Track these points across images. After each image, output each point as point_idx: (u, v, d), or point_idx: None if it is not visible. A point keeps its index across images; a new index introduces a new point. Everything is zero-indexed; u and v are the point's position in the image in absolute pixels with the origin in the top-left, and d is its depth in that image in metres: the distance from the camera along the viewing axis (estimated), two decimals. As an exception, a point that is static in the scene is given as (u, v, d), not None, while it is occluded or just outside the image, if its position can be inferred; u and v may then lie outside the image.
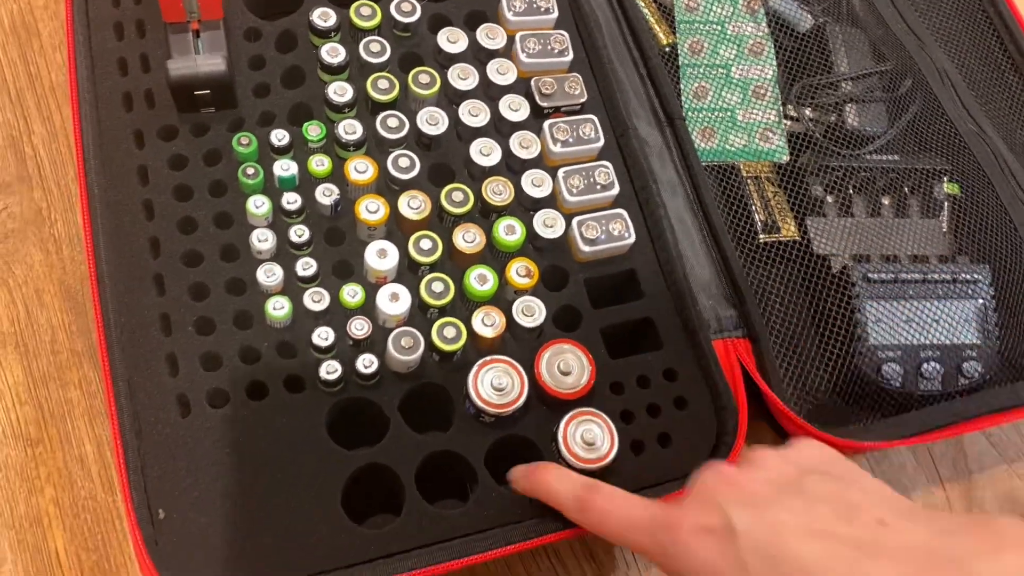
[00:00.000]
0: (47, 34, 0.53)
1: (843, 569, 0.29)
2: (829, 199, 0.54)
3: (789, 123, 0.56)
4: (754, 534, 0.31)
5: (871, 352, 0.48)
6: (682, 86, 0.56)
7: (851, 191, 0.54)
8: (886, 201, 0.54)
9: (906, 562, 0.29)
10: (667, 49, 0.57)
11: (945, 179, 0.55)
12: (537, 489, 0.39)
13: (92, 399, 0.45)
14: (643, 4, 0.58)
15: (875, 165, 0.54)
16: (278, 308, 0.42)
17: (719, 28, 0.58)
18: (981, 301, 0.50)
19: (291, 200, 0.45)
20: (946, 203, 0.55)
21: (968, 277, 0.51)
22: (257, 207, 0.44)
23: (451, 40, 0.50)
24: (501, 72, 0.50)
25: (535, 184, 0.47)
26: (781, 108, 0.56)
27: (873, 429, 0.47)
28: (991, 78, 0.60)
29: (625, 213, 0.48)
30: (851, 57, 0.57)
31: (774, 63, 0.57)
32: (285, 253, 0.44)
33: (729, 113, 0.56)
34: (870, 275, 0.50)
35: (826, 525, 0.31)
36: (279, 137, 0.46)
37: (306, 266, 0.44)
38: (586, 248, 0.47)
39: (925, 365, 0.48)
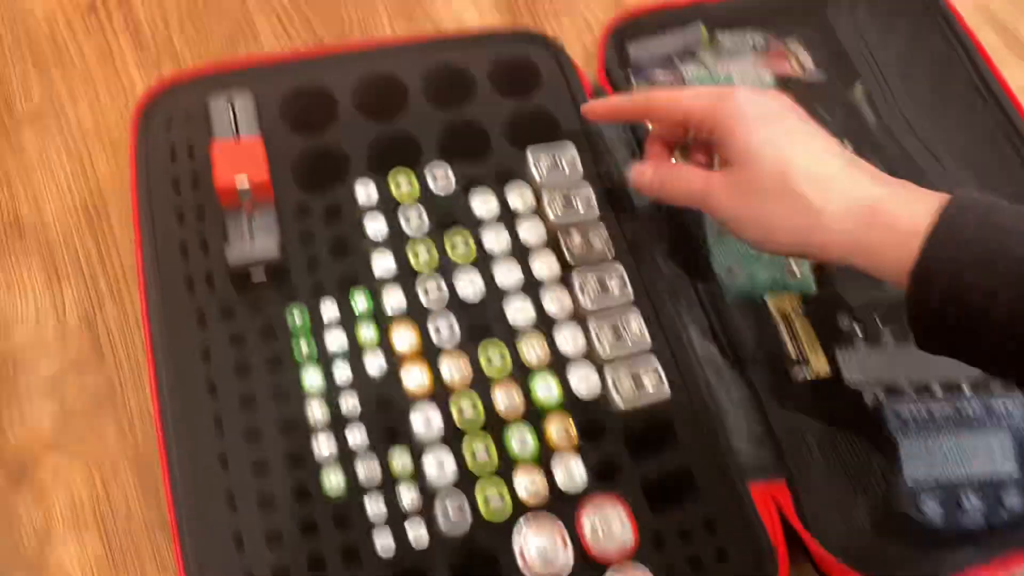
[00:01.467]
0: (116, 216, 0.58)
1: (841, 160, 0.43)
2: (857, 328, 0.55)
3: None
4: (795, 119, 0.46)
5: (908, 489, 0.49)
6: (706, 225, 0.58)
7: (878, 320, 0.55)
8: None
9: (873, 174, 0.44)
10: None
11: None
12: (606, 111, 0.53)
13: (166, 573, 0.48)
14: (665, 146, 0.61)
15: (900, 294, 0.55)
16: (333, 482, 0.45)
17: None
18: (1017, 429, 0.51)
19: (341, 373, 0.48)
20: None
21: (1002, 406, 0.51)
22: (310, 381, 0.48)
23: (483, 204, 0.53)
24: (530, 231, 0.53)
25: (567, 340, 0.50)
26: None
27: (917, 568, 0.47)
28: (1013, 196, 0.61)
29: (657, 363, 0.50)
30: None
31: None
32: (338, 423, 0.47)
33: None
34: (902, 411, 0.51)
35: (838, 145, 0.45)
36: (329, 310, 0.49)
37: (357, 436, 0.46)
38: (622, 405, 0.49)
39: (965, 500, 0.49)
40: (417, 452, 0.47)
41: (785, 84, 0.63)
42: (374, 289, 0.51)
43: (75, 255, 0.56)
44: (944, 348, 0.40)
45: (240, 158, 0.51)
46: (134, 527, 0.49)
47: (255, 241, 0.50)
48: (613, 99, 0.53)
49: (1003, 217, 0.38)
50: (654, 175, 0.50)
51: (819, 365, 0.54)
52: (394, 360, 0.49)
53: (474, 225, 0.53)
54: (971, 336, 0.38)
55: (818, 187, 0.42)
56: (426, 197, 0.54)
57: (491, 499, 0.45)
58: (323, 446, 0.46)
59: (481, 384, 0.49)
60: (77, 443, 0.51)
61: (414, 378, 0.47)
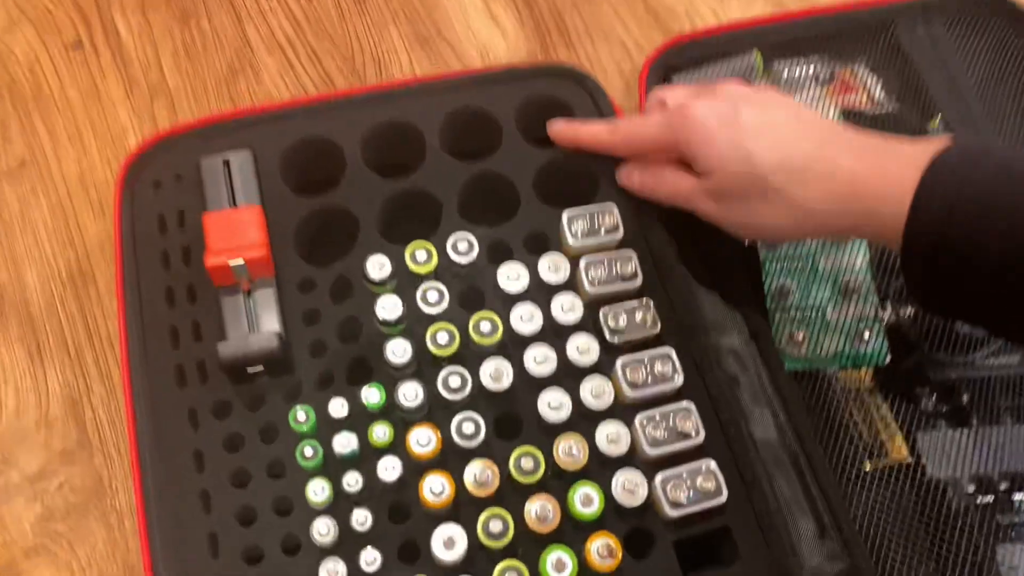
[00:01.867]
0: (103, 281, 0.52)
1: (812, 142, 0.43)
2: (942, 409, 0.48)
3: (887, 319, 0.51)
4: (752, 114, 0.44)
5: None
6: (765, 284, 0.51)
7: (965, 400, 0.48)
8: (1005, 405, 0.49)
9: (851, 148, 0.42)
10: (746, 243, 0.53)
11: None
12: (572, 140, 0.51)
13: None
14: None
15: (992, 372, 0.48)
16: (343, 616, 0.40)
17: (801, 214, 0.53)
18: None
19: (352, 482, 0.42)
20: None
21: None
22: (317, 494, 0.42)
23: (511, 278, 0.47)
24: (566, 309, 0.46)
25: (610, 440, 0.44)
26: (877, 301, 0.51)
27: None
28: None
29: (714, 464, 0.43)
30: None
31: (866, 248, 0.52)
32: (348, 541, 0.42)
33: (819, 312, 0.51)
34: (999, 514, 0.44)
35: (804, 123, 0.44)
36: (337, 407, 0.43)
37: (370, 560, 0.41)
38: (673, 512, 0.43)
39: (1074, 623, 0.42)
40: (440, 574, 0.41)
41: (852, 118, 0.55)
42: (387, 377, 0.45)
43: (59, 329, 0.51)
44: (940, 302, 0.41)
45: (236, 230, 0.45)
46: (125, 649, 0.44)
47: (253, 332, 0.44)
48: (580, 129, 0.50)
49: (991, 161, 0.39)
50: (641, 177, 0.49)
51: (898, 452, 0.47)
52: (411, 463, 0.43)
53: (502, 301, 0.47)
54: (963, 284, 0.39)
55: (794, 180, 0.42)
56: (446, 269, 0.48)
57: (524, 634, 0.39)
58: (331, 568, 0.40)
59: (511, 494, 0.43)
60: (62, 550, 0.46)
61: (435, 491, 0.41)
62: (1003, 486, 0.46)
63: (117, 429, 0.49)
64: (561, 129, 0.51)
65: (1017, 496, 0.45)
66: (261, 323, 0.45)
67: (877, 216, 0.40)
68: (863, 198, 0.40)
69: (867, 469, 0.47)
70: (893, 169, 0.40)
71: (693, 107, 0.45)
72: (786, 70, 0.57)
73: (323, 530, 0.41)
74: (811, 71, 0.57)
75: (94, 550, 0.46)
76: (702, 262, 0.50)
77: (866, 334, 0.50)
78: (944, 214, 0.38)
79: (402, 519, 0.43)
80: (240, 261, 0.44)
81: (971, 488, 0.45)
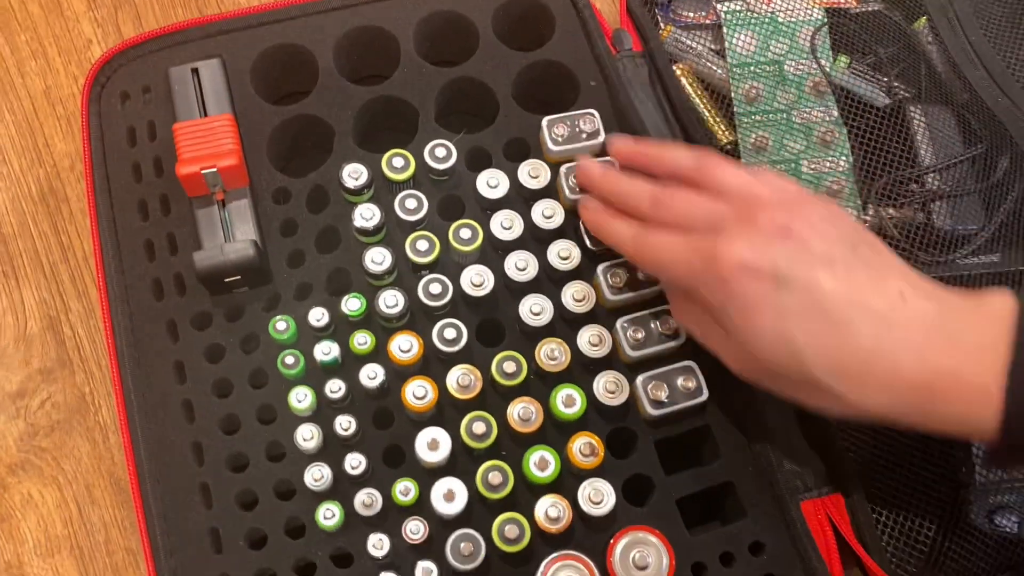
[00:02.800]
0: (75, 198, 0.51)
1: (869, 331, 0.35)
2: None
3: (869, 220, 0.50)
4: (798, 290, 0.35)
5: (981, 496, 0.43)
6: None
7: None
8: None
9: (916, 332, 0.35)
10: (727, 147, 0.52)
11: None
12: (602, 230, 0.43)
13: (150, 604, 0.44)
14: (698, 100, 0.53)
15: (972, 271, 0.48)
16: (329, 517, 0.40)
17: (784, 118, 0.52)
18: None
19: (335, 388, 0.42)
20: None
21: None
22: (299, 401, 0.42)
23: (491, 184, 0.46)
24: (547, 215, 0.46)
25: (592, 343, 0.44)
26: (860, 203, 0.50)
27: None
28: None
29: (695, 366, 0.44)
30: (936, 141, 0.51)
31: (848, 153, 0.51)
32: (332, 446, 0.42)
33: (801, 216, 0.50)
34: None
35: (860, 295, 0.35)
36: (317, 317, 0.43)
37: (355, 464, 0.41)
38: (654, 411, 0.43)
39: (1046, 513, 0.43)
40: (422, 479, 0.41)
41: (835, 18, 0.54)
42: (367, 287, 0.45)
43: (32, 248, 0.50)
44: None
45: (207, 140, 0.44)
46: (115, 554, 0.45)
47: (229, 241, 0.43)
48: (608, 229, 0.43)
49: None
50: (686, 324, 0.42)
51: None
52: (394, 369, 0.43)
53: (481, 207, 0.47)
54: None
55: (851, 383, 0.35)
56: (425, 176, 0.47)
57: (507, 529, 0.40)
58: (316, 479, 0.41)
59: (493, 397, 0.43)
60: (47, 465, 0.46)
61: (418, 396, 0.41)
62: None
63: (97, 346, 0.48)
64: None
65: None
66: (237, 234, 0.44)
67: (951, 416, 0.35)
68: (933, 401, 0.35)
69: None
70: (968, 368, 0.34)
71: (727, 261, 0.36)
72: (770, -30, 0.55)
73: (307, 435, 0.41)
74: (796, -29, 0.55)
75: (79, 464, 0.46)
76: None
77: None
78: None
79: (386, 425, 0.43)
80: (213, 169, 0.43)
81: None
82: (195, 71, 0.47)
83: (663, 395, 0.43)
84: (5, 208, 0.51)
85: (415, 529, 0.40)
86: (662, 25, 0.54)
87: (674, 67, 0.53)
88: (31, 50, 0.54)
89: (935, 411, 0.35)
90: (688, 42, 0.54)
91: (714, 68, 0.53)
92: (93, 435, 0.47)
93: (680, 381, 0.43)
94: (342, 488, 0.41)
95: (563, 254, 0.45)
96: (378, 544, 0.40)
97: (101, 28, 0.55)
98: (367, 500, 0.40)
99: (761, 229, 0.36)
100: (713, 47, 0.54)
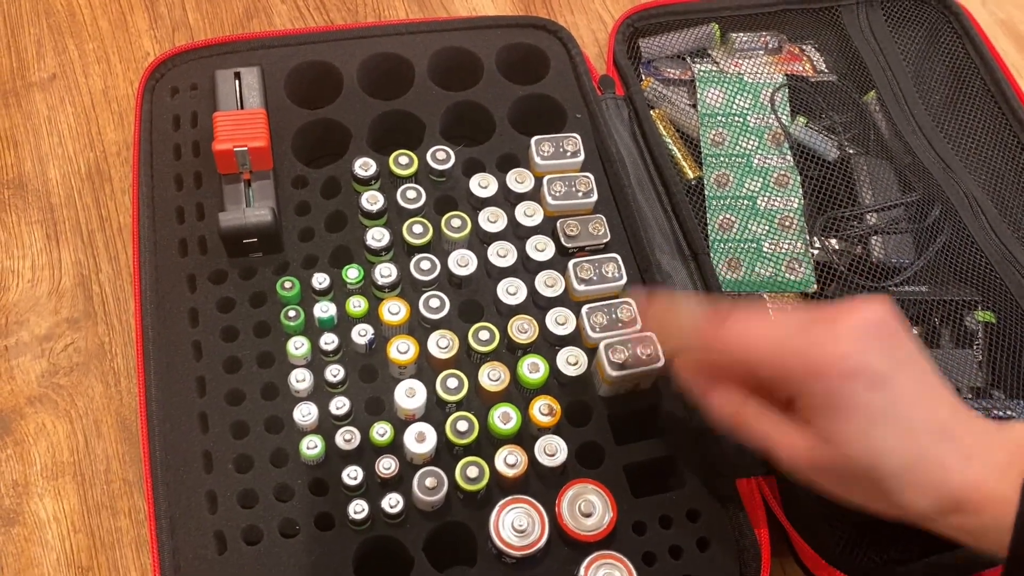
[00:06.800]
0: (118, 179, 0.58)
1: (931, 438, 0.37)
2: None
3: (816, 253, 0.57)
4: (887, 391, 0.37)
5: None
6: (708, 218, 0.57)
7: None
8: (916, 331, 0.55)
9: (961, 445, 0.37)
10: (693, 182, 0.59)
11: (978, 308, 0.55)
12: (659, 325, 0.44)
13: (140, 528, 0.48)
14: (670, 140, 0.60)
15: (903, 297, 0.54)
16: (311, 447, 0.45)
17: (744, 161, 0.60)
18: (1016, 438, 0.50)
19: (329, 341, 0.47)
20: (980, 331, 0.54)
21: (1001, 414, 0.50)
22: (297, 348, 0.47)
23: (482, 185, 0.53)
24: (528, 214, 0.52)
25: (559, 322, 0.49)
26: (808, 238, 0.57)
27: (914, 570, 0.46)
28: (1023, 203, 0.60)
29: (654, 336, 0.48)
30: (876, 188, 0.59)
31: (800, 194, 0.58)
32: (321, 391, 0.47)
33: (755, 244, 0.57)
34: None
35: (928, 399, 0.38)
36: (320, 280, 0.49)
37: (339, 405, 0.46)
38: (614, 373, 0.47)
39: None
40: (399, 424, 0.46)
41: (795, 83, 0.62)
42: (366, 262, 0.51)
43: (75, 217, 0.57)
44: None
45: (241, 127, 0.51)
46: (112, 483, 0.49)
47: (250, 208, 0.50)
48: (670, 317, 0.44)
49: None
50: (731, 407, 0.41)
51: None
52: (382, 333, 0.49)
53: (472, 206, 0.53)
54: None
55: (905, 483, 0.37)
56: (426, 176, 0.54)
57: (469, 470, 0.44)
58: (304, 415, 0.46)
59: (467, 362, 0.49)
60: (63, 400, 0.51)
61: (401, 350, 0.47)
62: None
63: (121, 303, 0.54)
64: (682, 369, 0.44)
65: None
66: (257, 206, 0.51)
67: (973, 527, 0.37)
68: (963, 510, 0.36)
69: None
70: (995, 484, 0.36)
71: (824, 364, 0.37)
72: (741, 40, 0.64)
73: (300, 377, 0.47)
74: (762, 42, 0.64)
75: (91, 402, 0.51)
76: (654, 188, 0.57)
77: (796, 265, 0.56)
78: None
79: (371, 379, 0.48)
80: (244, 148, 0.50)
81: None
82: (237, 74, 0.55)
83: (623, 356, 0.47)
84: (56, 181, 0.58)
85: (387, 465, 0.45)
86: (643, 78, 0.63)
87: (651, 111, 0.61)
88: (96, 56, 0.63)
89: (960, 521, 0.36)
90: (665, 92, 0.62)
91: (686, 116, 0.61)
92: (107, 378, 0.52)
93: (640, 348, 0.48)
94: (326, 428, 0.46)
95: (539, 247, 0.52)
96: (352, 475, 0.44)
97: (159, 44, 0.64)
98: (347, 436, 0.45)
99: (859, 333, 0.38)
100: (688, 101, 0.62)
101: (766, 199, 0.58)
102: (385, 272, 0.49)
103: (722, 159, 0.60)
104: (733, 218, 0.58)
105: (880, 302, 0.39)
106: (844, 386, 0.37)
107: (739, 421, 0.41)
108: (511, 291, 0.50)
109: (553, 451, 0.45)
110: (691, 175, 0.59)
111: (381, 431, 0.46)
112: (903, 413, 0.37)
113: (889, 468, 0.37)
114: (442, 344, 0.48)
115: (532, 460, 0.45)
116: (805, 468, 0.39)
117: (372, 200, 0.51)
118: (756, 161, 0.60)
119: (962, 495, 0.36)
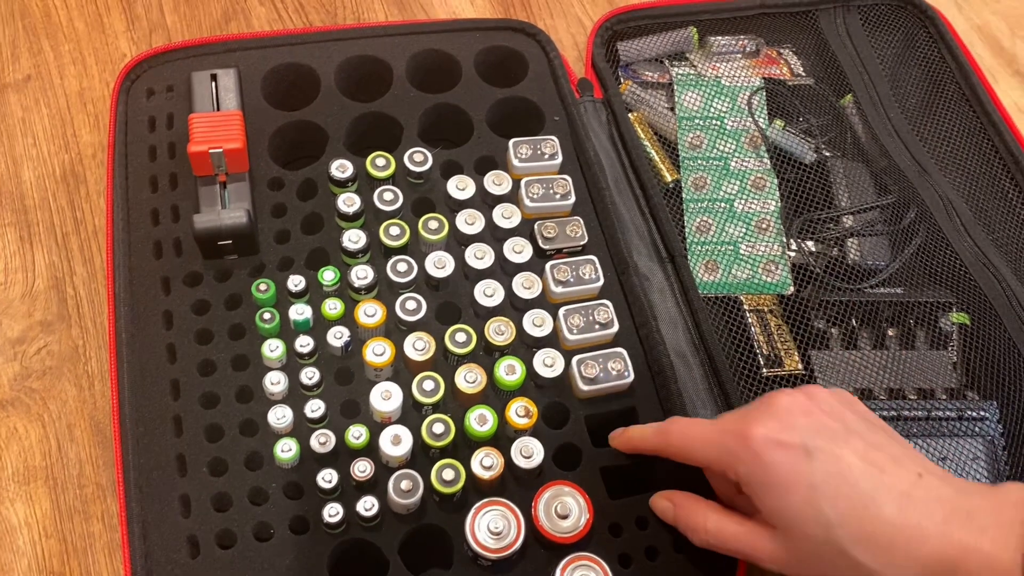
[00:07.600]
0: (93, 181, 0.58)
1: (893, 504, 0.37)
2: (834, 332, 0.54)
3: (793, 255, 0.57)
4: (825, 461, 0.38)
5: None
6: (686, 221, 0.58)
7: (855, 324, 0.55)
8: (891, 333, 0.55)
9: (936, 509, 0.37)
10: (671, 185, 0.60)
11: (953, 310, 0.55)
12: (625, 443, 0.46)
13: (112, 532, 0.47)
14: (648, 143, 0.60)
15: (879, 299, 0.55)
16: (286, 451, 0.44)
17: (722, 164, 0.60)
18: (990, 438, 0.50)
19: (304, 343, 0.47)
20: (955, 333, 0.55)
21: (975, 414, 0.50)
22: (272, 351, 0.47)
23: (460, 187, 0.53)
24: (506, 216, 0.52)
25: (536, 324, 0.49)
26: (784, 241, 0.57)
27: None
28: (998, 206, 0.61)
29: (624, 352, 0.49)
30: (852, 191, 0.59)
31: (777, 197, 0.59)
32: (296, 394, 0.47)
33: (733, 246, 0.57)
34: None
35: (881, 469, 0.38)
36: (296, 283, 0.49)
37: (314, 408, 0.46)
38: (585, 387, 0.48)
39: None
40: (374, 426, 0.46)
41: (773, 86, 0.63)
42: (343, 264, 0.51)
43: (49, 220, 0.56)
44: None
45: (217, 129, 0.51)
46: (85, 487, 0.48)
47: (225, 210, 0.50)
48: (632, 433, 0.46)
49: None
50: (695, 521, 0.43)
51: (792, 365, 0.53)
52: (358, 335, 0.49)
53: (450, 208, 0.53)
54: None
55: (878, 555, 0.37)
56: (403, 178, 0.54)
57: (444, 472, 0.44)
58: (278, 418, 0.45)
59: (444, 364, 0.48)
60: (35, 403, 0.51)
61: (377, 353, 0.47)
62: (882, 397, 0.52)
63: (95, 306, 0.54)
64: (614, 436, 0.47)
65: (893, 404, 0.51)
66: (232, 210, 0.50)
67: None
68: (955, 572, 0.36)
69: (764, 374, 0.52)
70: (993, 546, 0.36)
71: (757, 434, 0.39)
72: (719, 44, 0.64)
73: (275, 380, 0.46)
74: (740, 46, 0.64)
75: (64, 406, 0.51)
76: (631, 190, 0.57)
77: (773, 267, 0.56)
78: None
79: (346, 381, 0.48)
80: (219, 150, 0.50)
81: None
82: (213, 76, 0.54)
83: (594, 373, 0.48)
84: (31, 183, 0.57)
85: (362, 468, 0.44)
86: (622, 81, 0.63)
87: (629, 114, 0.61)
88: (72, 58, 0.62)
89: None
90: (643, 95, 0.62)
91: (664, 119, 0.61)
92: (80, 382, 0.52)
93: (611, 364, 0.49)
94: (301, 431, 0.46)
95: (517, 249, 0.52)
96: (327, 478, 0.44)
97: (136, 45, 0.63)
98: (322, 439, 0.45)
99: (785, 410, 0.40)
100: (666, 104, 0.62)
101: (743, 202, 0.59)
102: (362, 274, 0.49)
103: (700, 162, 0.60)
104: (710, 221, 0.58)
105: (814, 387, 0.41)
106: (774, 457, 0.38)
107: (710, 538, 0.42)
108: (488, 293, 0.50)
109: (529, 453, 0.45)
110: (669, 178, 0.60)
111: (356, 434, 0.45)
112: (851, 482, 0.37)
113: (848, 539, 0.37)
114: (419, 346, 0.48)
115: (508, 462, 0.45)
116: (784, 566, 0.40)
117: (349, 202, 0.51)
118: (733, 164, 0.60)
119: (948, 559, 0.36)
